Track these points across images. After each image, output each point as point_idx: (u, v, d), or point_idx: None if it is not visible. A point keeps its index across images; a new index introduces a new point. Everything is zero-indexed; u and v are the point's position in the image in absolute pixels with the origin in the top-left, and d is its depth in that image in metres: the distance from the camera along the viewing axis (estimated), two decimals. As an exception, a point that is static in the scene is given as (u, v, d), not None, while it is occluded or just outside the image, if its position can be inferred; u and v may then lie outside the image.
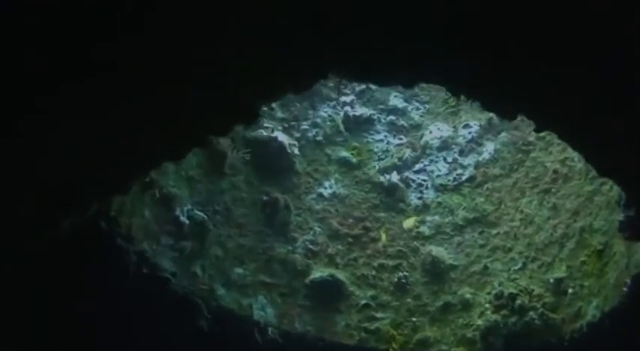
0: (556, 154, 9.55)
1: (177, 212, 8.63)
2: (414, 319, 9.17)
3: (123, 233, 7.61)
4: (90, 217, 6.89)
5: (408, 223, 9.96)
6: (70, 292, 7.05)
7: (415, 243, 9.97)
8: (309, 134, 10.78)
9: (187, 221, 8.70)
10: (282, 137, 9.99)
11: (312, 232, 9.91)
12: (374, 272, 9.69)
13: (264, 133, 9.94)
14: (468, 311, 8.92)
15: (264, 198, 9.69)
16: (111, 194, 6.59)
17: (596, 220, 8.10)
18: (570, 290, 7.97)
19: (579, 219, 8.44)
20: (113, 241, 7.45)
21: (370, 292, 9.48)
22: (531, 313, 7.98)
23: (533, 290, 8.24)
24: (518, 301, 8.10)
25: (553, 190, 9.24)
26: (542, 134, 9.79)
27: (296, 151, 10.24)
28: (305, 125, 10.78)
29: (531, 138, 10.16)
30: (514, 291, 8.25)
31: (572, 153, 9.22)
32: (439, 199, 10.39)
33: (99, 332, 7.50)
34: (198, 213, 8.88)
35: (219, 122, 5.42)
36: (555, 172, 9.36)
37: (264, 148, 9.89)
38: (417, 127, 11.34)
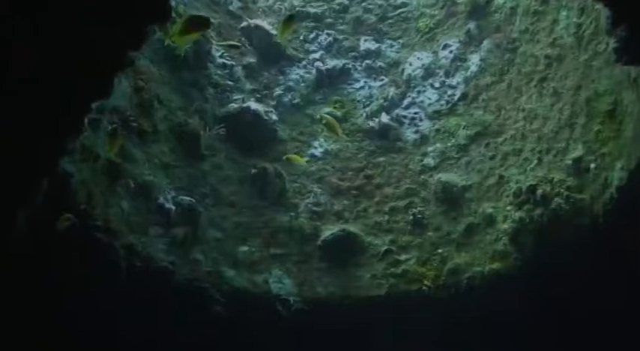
0: (543, 40, 8.92)
1: (161, 200, 8.20)
2: (439, 251, 8.54)
3: (101, 226, 7.20)
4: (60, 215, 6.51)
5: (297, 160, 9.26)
6: (61, 296, 6.65)
7: (422, 176, 9.39)
8: (285, 99, 10.33)
9: (174, 208, 8.25)
10: (255, 106, 9.54)
11: (312, 195, 9.39)
12: (387, 217, 9.12)
13: (235, 105, 9.51)
14: (493, 226, 8.27)
15: (253, 171, 9.22)
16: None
17: (600, 84, 7.45)
18: (592, 165, 7.28)
19: (582, 91, 7.79)
20: (92, 236, 7.04)
21: (388, 237, 8.90)
22: (556, 199, 7.30)
23: (553, 178, 7.56)
24: (540, 191, 7.43)
25: (550, 75, 8.60)
26: (525, 25, 9.28)
27: (274, 117, 9.78)
28: (278, 91, 10.33)
29: (515, 34, 9.57)
30: (533, 182, 7.58)
31: (559, 31, 8.63)
32: (436, 127, 9.82)
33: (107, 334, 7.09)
34: (185, 198, 8.44)
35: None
36: (547, 57, 8.73)
37: (238, 120, 9.46)
38: (396, 63, 10.82)
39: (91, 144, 7.12)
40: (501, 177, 8.57)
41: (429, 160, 9.48)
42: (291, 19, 7.23)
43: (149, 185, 8.09)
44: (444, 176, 9.06)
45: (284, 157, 8.94)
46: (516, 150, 8.62)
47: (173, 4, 9.04)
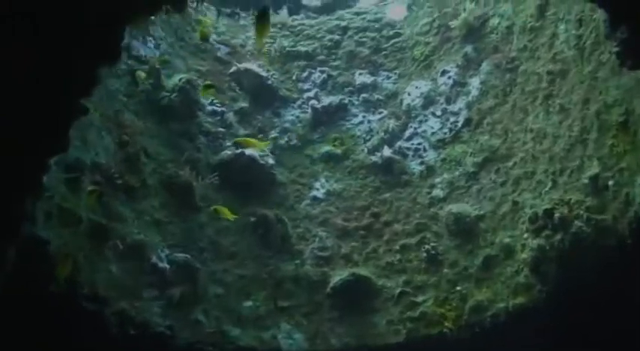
0: (544, 56, 8.51)
1: (154, 259, 7.77)
2: (458, 288, 7.99)
3: (88, 294, 6.76)
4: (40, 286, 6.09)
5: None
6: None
7: (432, 209, 8.91)
8: (282, 141, 9.96)
9: (168, 266, 7.81)
10: (249, 151, 9.16)
11: (317, 239, 8.94)
12: (398, 256, 8.62)
13: (229, 152, 9.14)
14: (512, 257, 7.72)
15: (252, 219, 8.79)
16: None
17: (608, 95, 6.99)
18: (610, 182, 6.76)
19: (591, 104, 7.32)
20: (78, 305, 6.59)
21: (402, 278, 8.38)
22: (576, 222, 6.76)
23: (570, 199, 7.04)
24: (557, 215, 6.90)
25: (554, 92, 8.16)
26: (523, 43, 8.91)
27: (271, 160, 9.39)
28: (274, 133, 9.97)
29: (514, 53, 9.18)
30: (549, 206, 7.06)
31: (559, 45, 8.23)
32: (442, 156, 9.36)
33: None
34: (180, 255, 8.01)
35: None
36: (550, 73, 8.29)
37: (233, 167, 9.07)
38: (394, 95, 10.45)
39: (72, 206, 6.72)
40: (515, 203, 8.07)
41: (438, 192, 9.01)
42: (264, 16, 6.36)
43: (140, 244, 7.68)
44: (454, 207, 8.57)
45: (211, 208, 8.34)
46: (528, 173, 8.12)
47: (157, 53, 8.83)
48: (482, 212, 8.38)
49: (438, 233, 8.63)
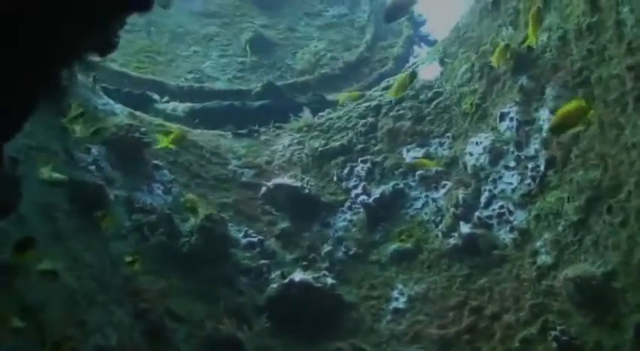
0: (616, 52, 6.96)
1: None
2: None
3: None
4: None
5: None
6: None
7: (544, 283, 7.08)
8: (339, 254, 8.53)
9: None
10: (299, 276, 7.75)
11: (411, 361, 7.19)
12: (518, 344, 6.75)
13: (274, 286, 7.76)
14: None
15: (325, 359, 7.21)
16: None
17: None
18: None
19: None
20: None
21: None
22: None
23: None
24: None
25: (644, 90, 6.48)
26: (586, 48, 7.40)
27: (330, 280, 7.91)
28: (327, 248, 8.57)
29: (578, 63, 7.64)
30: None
31: (630, 32, 6.71)
32: (534, 213, 7.64)
33: None
34: None
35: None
36: (631, 68, 6.67)
37: (285, 302, 7.66)
38: (453, 160, 8.94)
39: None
40: (649, 242, 6.16)
41: (544, 258, 7.26)
42: None
43: None
44: (571, 271, 6.74)
45: None
46: (651, 198, 6.27)
47: (168, 199, 7.88)
48: (609, 268, 6.50)
49: (563, 311, 6.79)
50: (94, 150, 8.26)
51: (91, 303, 6.45)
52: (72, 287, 6.40)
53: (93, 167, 8.07)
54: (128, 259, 7.02)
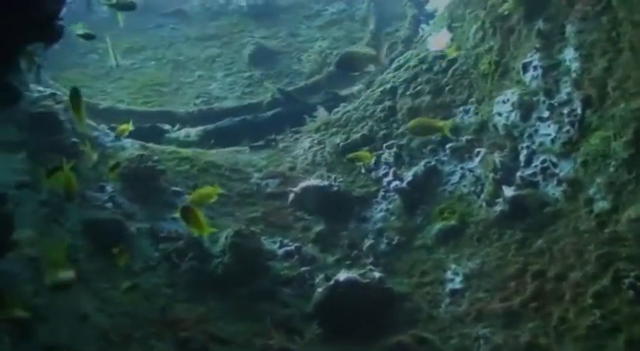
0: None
1: None
2: None
3: None
4: None
5: None
6: None
7: (606, 230, 6.55)
8: (382, 246, 8.15)
9: None
10: (344, 276, 7.33)
11: (482, 342, 6.68)
12: (598, 312, 6.16)
13: (320, 290, 7.34)
14: None
15: (388, 355, 6.75)
16: None
17: None
18: None
19: None
20: None
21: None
22: None
23: None
24: None
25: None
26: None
27: (377, 274, 7.46)
28: (369, 241, 8.19)
29: None
30: None
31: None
32: (580, 160, 7.12)
33: None
34: None
35: None
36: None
37: (334, 305, 7.23)
38: (482, 125, 8.49)
39: None
40: None
41: (601, 204, 6.67)
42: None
43: None
44: (633, 212, 6.19)
45: None
46: None
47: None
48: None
49: (633, 255, 6.20)
50: (108, 187, 8.06)
51: (127, 340, 6.15)
52: (103, 328, 6.12)
53: (110, 204, 7.85)
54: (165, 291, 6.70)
